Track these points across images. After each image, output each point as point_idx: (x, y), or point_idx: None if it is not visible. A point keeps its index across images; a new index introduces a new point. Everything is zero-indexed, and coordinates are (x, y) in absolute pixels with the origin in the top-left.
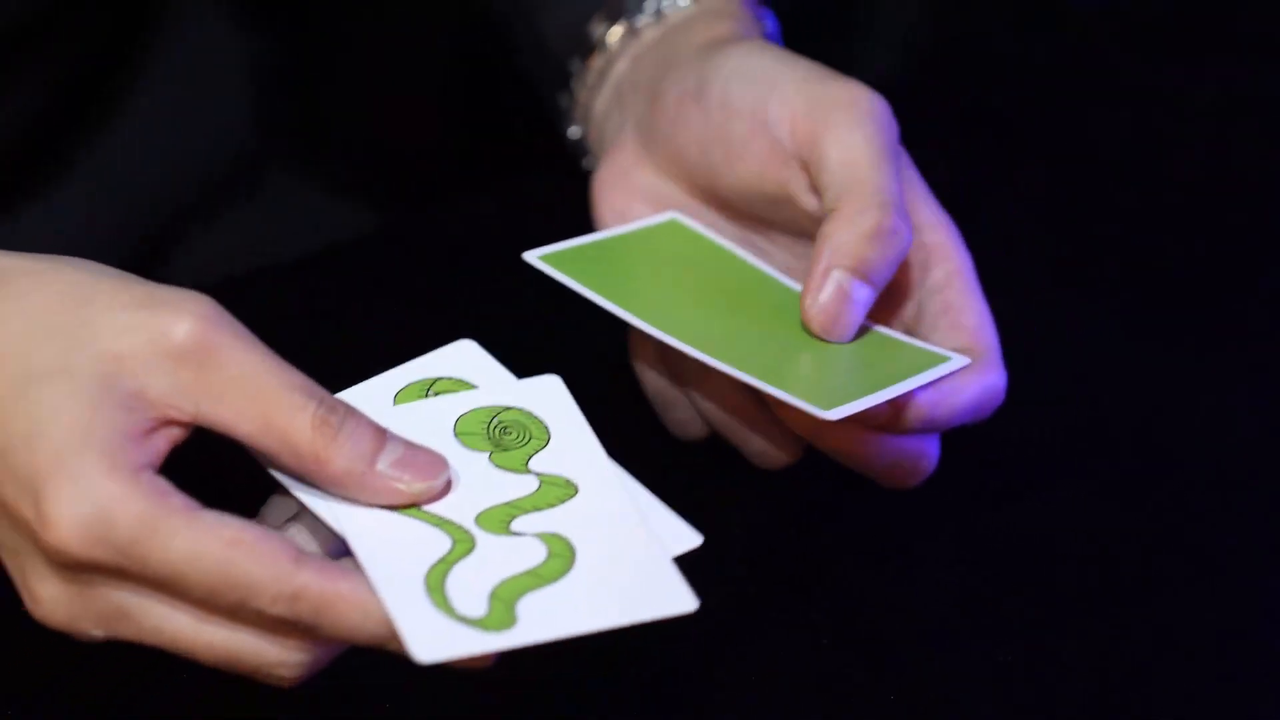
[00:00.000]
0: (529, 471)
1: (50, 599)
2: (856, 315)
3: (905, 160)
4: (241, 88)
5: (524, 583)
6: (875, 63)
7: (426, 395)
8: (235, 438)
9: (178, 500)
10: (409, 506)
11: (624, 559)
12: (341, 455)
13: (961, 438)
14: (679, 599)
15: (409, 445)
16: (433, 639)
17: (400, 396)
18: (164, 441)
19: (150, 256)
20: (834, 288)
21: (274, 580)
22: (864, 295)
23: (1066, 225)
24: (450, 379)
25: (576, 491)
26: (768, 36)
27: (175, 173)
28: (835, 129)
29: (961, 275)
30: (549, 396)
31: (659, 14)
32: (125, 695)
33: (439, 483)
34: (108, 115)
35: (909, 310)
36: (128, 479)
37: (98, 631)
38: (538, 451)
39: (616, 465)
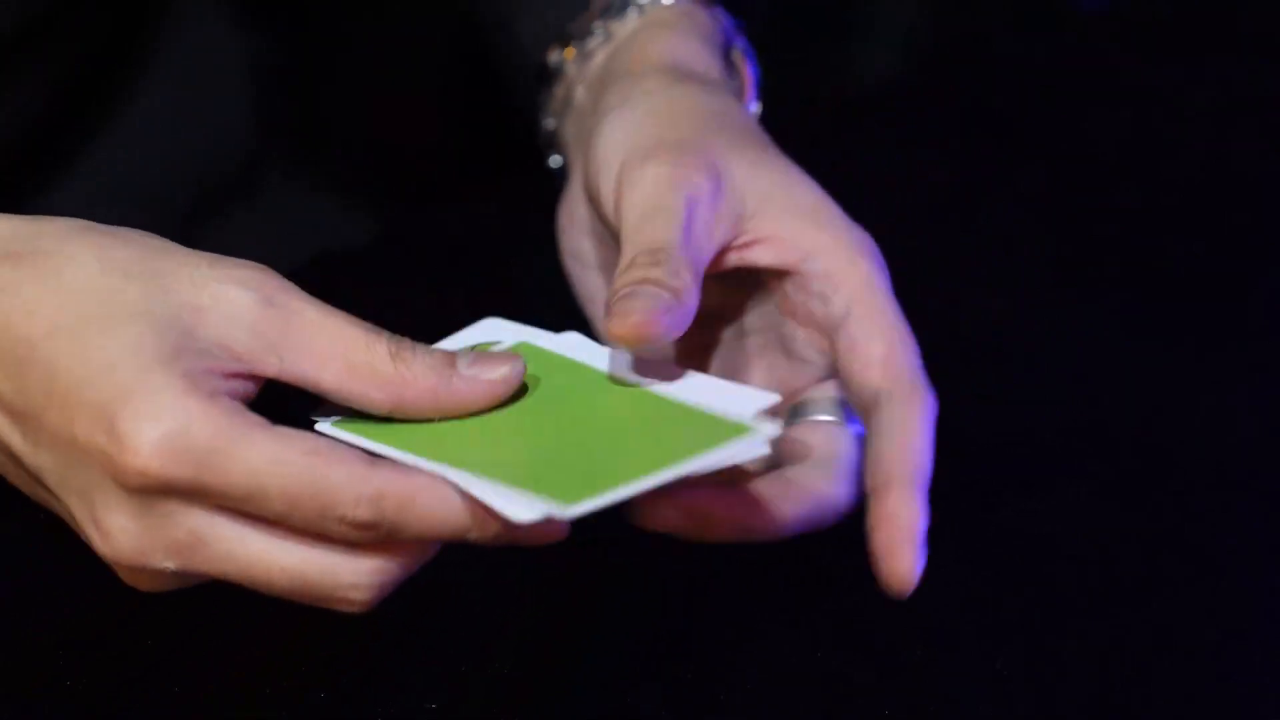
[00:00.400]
0: None
1: (120, 529)
2: (658, 325)
3: (783, 180)
4: (242, 88)
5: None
6: (875, 63)
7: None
8: (318, 387)
9: (254, 417)
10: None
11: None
12: (424, 373)
13: (961, 438)
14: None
15: (473, 351)
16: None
17: None
18: (241, 388)
19: None
20: (621, 320)
21: (354, 482)
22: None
23: (1066, 225)
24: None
25: None
26: (723, 32)
27: (175, 173)
28: (621, 210)
29: (861, 301)
30: (579, 350)
31: (608, 35)
32: (125, 695)
33: (519, 367)
34: (108, 116)
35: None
36: (206, 398)
37: (169, 563)
38: None
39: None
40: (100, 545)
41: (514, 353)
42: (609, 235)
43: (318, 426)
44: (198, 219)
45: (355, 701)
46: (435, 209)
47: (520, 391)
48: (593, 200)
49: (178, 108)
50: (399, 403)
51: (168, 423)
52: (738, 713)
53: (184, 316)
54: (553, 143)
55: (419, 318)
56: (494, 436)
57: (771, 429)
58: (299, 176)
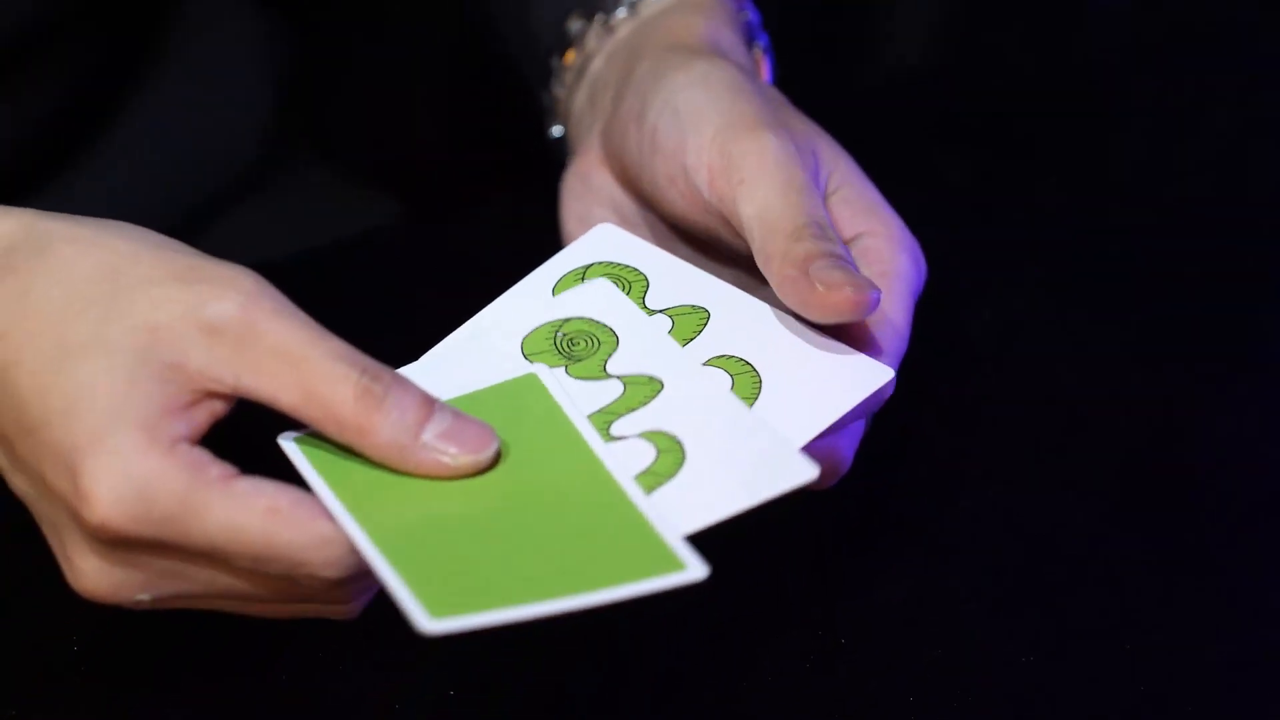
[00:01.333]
0: (609, 376)
1: (93, 570)
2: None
3: (849, 172)
4: (249, 90)
5: (645, 482)
6: (883, 61)
7: (583, 282)
8: (278, 409)
9: (215, 471)
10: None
11: (732, 440)
12: (386, 426)
13: (962, 437)
14: (800, 468)
15: (457, 415)
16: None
17: (558, 288)
18: (204, 415)
19: None
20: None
21: (319, 545)
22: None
23: (1069, 226)
24: (601, 263)
25: (662, 386)
26: (748, 26)
27: (182, 175)
28: (744, 186)
29: (886, 279)
30: (604, 298)
31: (634, 8)
32: (126, 695)
33: (486, 455)
34: (121, 115)
35: None
36: (164, 454)
37: (144, 596)
38: (611, 355)
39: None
40: (73, 582)
41: (491, 431)
42: (635, 203)
43: (281, 441)
44: (204, 220)
45: (355, 705)
46: (436, 209)
47: (533, 459)
48: (633, 164)
49: (186, 110)
50: (354, 445)
51: (125, 486)
52: (742, 712)
53: (139, 340)
54: (558, 111)
55: (419, 316)
56: (430, 505)
57: (701, 570)
58: (310, 175)
